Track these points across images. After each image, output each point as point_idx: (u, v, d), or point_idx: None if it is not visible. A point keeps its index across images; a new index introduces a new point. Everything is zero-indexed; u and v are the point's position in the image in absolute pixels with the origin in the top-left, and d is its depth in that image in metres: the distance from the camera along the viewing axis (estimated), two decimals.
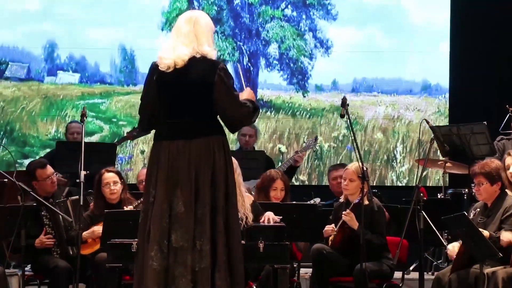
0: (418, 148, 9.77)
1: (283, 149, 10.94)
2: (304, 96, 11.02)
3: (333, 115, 10.96)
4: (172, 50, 5.33)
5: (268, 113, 11.02)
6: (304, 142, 9.78)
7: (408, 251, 7.78)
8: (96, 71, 10.89)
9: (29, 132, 10.79)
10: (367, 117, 10.98)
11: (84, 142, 7.20)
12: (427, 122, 8.20)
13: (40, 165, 7.81)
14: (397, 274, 7.71)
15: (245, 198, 6.97)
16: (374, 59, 10.98)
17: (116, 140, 8.92)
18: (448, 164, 8.65)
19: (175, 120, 5.37)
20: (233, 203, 5.43)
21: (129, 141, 9.85)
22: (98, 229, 7.26)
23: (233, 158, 5.67)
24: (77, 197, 7.52)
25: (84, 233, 7.35)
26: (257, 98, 10.81)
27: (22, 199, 7.16)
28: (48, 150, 10.28)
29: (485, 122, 8.32)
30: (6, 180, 7.69)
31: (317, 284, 7.42)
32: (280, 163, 9.70)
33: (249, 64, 11.00)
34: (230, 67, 10.53)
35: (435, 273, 7.90)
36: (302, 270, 8.25)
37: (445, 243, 7.44)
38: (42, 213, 7.60)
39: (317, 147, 9.63)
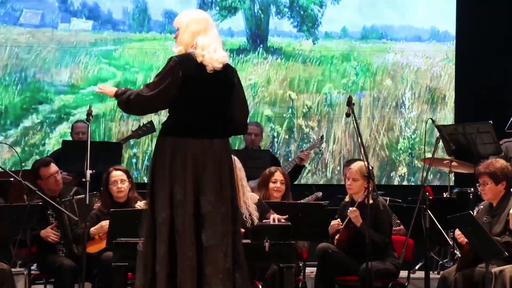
0: (424, 146, 9.78)
1: (293, 95, 10.98)
2: (314, 43, 11.05)
3: (342, 63, 11.03)
4: (213, 52, 5.41)
5: (279, 60, 11.03)
6: (310, 141, 9.80)
7: (413, 250, 7.79)
8: (109, 18, 10.92)
9: (43, 78, 10.82)
10: (376, 64, 11.03)
11: (90, 141, 7.22)
12: (433, 121, 8.21)
13: (44, 163, 7.83)
14: (403, 273, 7.73)
15: (248, 195, 7.06)
16: (383, 7, 11.05)
17: (121, 139, 8.93)
18: (454, 163, 8.66)
19: (202, 118, 5.43)
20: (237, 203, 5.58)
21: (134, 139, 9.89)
22: (106, 224, 7.27)
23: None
24: (83, 196, 7.56)
25: (92, 229, 7.39)
26: (268, 45, 11.00)
27: (28, 198, 7.16)
28: (62, 96, 10.50)
29: (491, 121, 8.33)
30: (12, 179, 7.70)
31: (322, 283, 7.44)
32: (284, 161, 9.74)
33: (260, 12, 11.02)
34: (241, 15, 10.77)
35: (441, 272, 7.92)
36: (308, 270, 8.26)
37: (450, 242, 7.45)
38: (48, 212, 7.62)
39: (322, 147, 9.64)
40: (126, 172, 7.63)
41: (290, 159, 10.02)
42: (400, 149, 11.02)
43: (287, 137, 10.95)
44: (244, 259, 5.53)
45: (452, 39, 11.03)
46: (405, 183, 10.98)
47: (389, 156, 10.97)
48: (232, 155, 7.04)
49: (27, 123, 10.83)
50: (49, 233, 7.53)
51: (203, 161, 5.41)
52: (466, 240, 6.72)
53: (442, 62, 11.04)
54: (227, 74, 5.51)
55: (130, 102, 5.42)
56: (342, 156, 10.87)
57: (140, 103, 5.41)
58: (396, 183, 10.99)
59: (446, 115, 10.97)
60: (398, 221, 8.22)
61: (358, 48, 11.06)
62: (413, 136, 11.04)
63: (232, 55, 10.84)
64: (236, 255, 5.47)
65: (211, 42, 5.45)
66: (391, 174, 11.01)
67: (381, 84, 11.06)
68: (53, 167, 7.78)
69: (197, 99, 5.43)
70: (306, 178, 10.76)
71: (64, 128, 10.73)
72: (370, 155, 10.72)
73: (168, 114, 5.57)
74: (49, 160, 7.87)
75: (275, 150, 10.74)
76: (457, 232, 6.91)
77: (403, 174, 11.00)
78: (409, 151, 11.04)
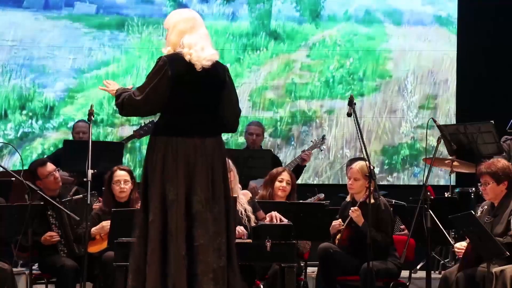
0: (425, 147, 9.78)
1: (296, 79, 10.99)
2: (317, 28, 11.05)
3: (345, 46, 11.05)
4: (201, 50, 5.40)
5: (281, 44, 11.04)
6: (311, 141, 9.80)
7: (415, 250, 7.79)
8: (113, 3, 10.92)
9: (46, 63, 10.81)
10: (379, 48, 11.05)
11: (92, 140, 7.21)
12: (434, 121, 8.20)
13: (40, 163, 7.79)
14: (404, 273, 7.72)
15: (239, 193, 7.08)
16: None
17: (123, 139, 8.93)
18: (455, 163, 8.65)
19: (193, 117, 5.42)
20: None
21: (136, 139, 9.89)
22: (107, 224, 7.27)
23: None
24: (81, 196, 7.56)
25: (93, 229, 7.39)
26: (271, 29, 11.04)
27: (29, 198, 7.16)
28: (65, 82, 10.53)
29: (492, 121, 8.33)
30: (14, 179, 7.70)
31: (324, 283, 7.44)
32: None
33: None
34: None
35: (442, 272, 7.91)
36: (309, 269, 8.26)
37: (452, 242, 7.45)
38: (48, 212, 7.61)
39: (324, 147, 9.65)
40: (130, 173, 7.62)
41: (292, 143, 10.06)
42: (403, 132, 11.01)
43: (290, 120, 10.95)
44: (236, 258, 5.50)
45: (454, 23, 11.05)
46: (407, 166, 10.96)
47: (392, 139, 10.96)
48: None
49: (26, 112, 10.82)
50: (48, 237, 7.52)
51: (195, 160, 5.39)
52: (464, 252, 6.73)
53: (444, 46, 11.05)
54: (217, 72, 5.50)
55: (124, 105, 5.43)
56: (344, 140, 10.89)
57: (132, 105, 5.41)
58: (398, 167, 10.97)
59: (449, 99, 10.94)
60: (402, 226, 8.22)
61: (360, 32, 11.06)
62: (415, 120, 11.04)
63: (235, 39, 10.84)
64: (229, 254, 5.45)
65: (198, 41, 5.44)
66: (393, 157, 11.00)
67: (383, 68, 11.06)
68: (50, 166, 7.75)
69: (187, 98, 5.43)
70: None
71: (69, 111, 10.73)
72: (372, 139, 10.75)
73: (159, 114, 5.56)
74: (45, 159, 7.85)
75: (278, 134, 10.74)
76: (457, 245, 6.91)
77: (405, 158, 11.00)
78: (412, 134, 11.03)
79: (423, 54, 11.08)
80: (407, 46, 11.10)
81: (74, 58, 10.84)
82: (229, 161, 6.88)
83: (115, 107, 5.71)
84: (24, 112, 10.73)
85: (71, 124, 10.34)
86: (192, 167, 5.39)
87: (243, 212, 7.01)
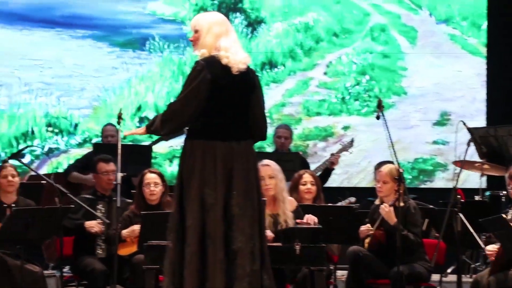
0: (455, 149, 9.68)
1: (313, 96, 11.05)
2: (334, 46, 11.18)
3: (362, 63, 11.10)
4: (236, 53, 5.38)
5: (299, 62, 11.12)
6: (340, 144, 9.76)
7: (445, 253, 7.70)
8: (135, 23, 11.03)
9: (71, 81, 10.89)
10: (394, 66, 11.08)
11: (121, 144, 7.21)
12: (464, 124, 8.12)
13: (104, 159, 7.80)
14: (435, 277, 7.64)
15: (288, 205, 7.03)
16: None
17: (151, 141, 8.92)
18: (485, 166, 8.56)
19: (229, 120, 5.39)
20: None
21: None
22: (137, 228, 7.25)
23: None
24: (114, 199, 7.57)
25: (124, 231, 7.38)
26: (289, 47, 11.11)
27: (60, 201, 7.16)
28: (89, 99, 10.65)
29: None
30: (44, 182, 7.71)
31: (353, 286, 7.37)
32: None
33: None
34: None
35: (473, 275, 7.82)
36: (339, 273, 8.20)
37: (483, 246, 7.35)
38: (98, 206, 7.62)
39: (352, 150, 9.60)
40: (160, 175, 7.59)
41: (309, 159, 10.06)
42: (420, 147, 10.97)
43: (307, 136, 11.00)
44: (269, 261, 5.48)
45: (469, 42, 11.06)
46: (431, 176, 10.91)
47: (409, 155, 10.92)
48: (272, 166, 7.03)
49: None
50: (94, 225, 7.50)
51: (231, 163, 5.36)
52: (496, 255, 6.64)
53: (459, 64, 11.06)
54: (250, 75, 5.47)
55: (163, 122, 5.36)
56: (362, 156, 10.85)
57: (172, 115, 5.35)
58: (427, 156, 10.93)
59: (465, 115, 10.87)
60: (437, 234, 8.11)
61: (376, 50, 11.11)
62: (430, 136, 11.02)
63: (254, 57, 10.89)
64: (263, 257, 5.42)
65: (233, 44, 5.41)
66: (412, 172, 10.96)
67: (399, 84, 11.10)
68: (110, 166, 7.72)
69: (224, 102, 5.38)
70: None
71: (93, 127, 10.78)
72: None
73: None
74: (110, 158, 7.79)
75: (295, 150, 10.77)
76: (489, 248, 6.82)
77: (426, 171, 10.94)
78: (429, 148, 11.00)
79: (438, 71, 11.04)
80: (422, 64, 11.06)
81: (98, 76, 10.90)
82: (276, 166, 6.90)
83: (154, 137, 5.64)
84: (50, 129, 10.77)
85: (95, 140, 10.43)
86: (229, 171, 5.35)
87: (285, 220, 6.95)
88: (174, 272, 5.36)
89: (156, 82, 11.02)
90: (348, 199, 8.42)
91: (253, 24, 11.17)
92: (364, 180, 10.87)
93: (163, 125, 5.36)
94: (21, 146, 10.38)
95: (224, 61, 5.35)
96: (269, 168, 7.01)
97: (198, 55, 5.42)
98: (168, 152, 10.86)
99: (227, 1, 11.12)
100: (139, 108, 10.97)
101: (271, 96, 10.98)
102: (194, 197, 5.32)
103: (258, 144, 5.78)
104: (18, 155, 7.42)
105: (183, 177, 5.40)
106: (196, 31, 5.46)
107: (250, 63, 5.48)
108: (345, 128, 11.05)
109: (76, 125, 10.89)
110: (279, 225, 6.94)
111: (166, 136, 8.65)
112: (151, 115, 10.60)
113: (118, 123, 7.21)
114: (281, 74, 11.18)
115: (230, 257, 5.30)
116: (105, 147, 8.62)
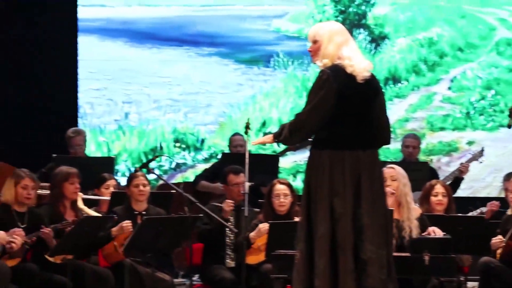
0: None
1: (437, 111, 10.83)
2: (458, 61, 10.95)
3: (487, 78, 10.84)
4: (359, 62, 5.27)
5: (422, 77, 10.94)
6: (469, 153, 9.50)
7: None
8: (260, 40, 11.03)
9: (198, 98, 10.95)
10: None
11: (248, 153, 7.17)
12: None
13: (234, 170, 7.79)
14: None
15: (413, 211, 6.86)
16: None
17: (278, 152, 8.86)
18: None
19: (355, 129, 5.28)
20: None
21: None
22: (265, 227, 7.21)
23: None
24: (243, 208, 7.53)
25: (251, 234, 7.32)
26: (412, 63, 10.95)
27: (189, 210, 7.16)
28: (215, 115, 10.72)
29: None
30: (174, 191, 7.73)
31: None
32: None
33: None
34: None
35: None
36: (469, 284, 7.92)
37: None
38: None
39: (483, 159, 9.30)
40: (290, 186, 7.52)
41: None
42: None
43: (430, 151, 10.74)
44: (394, 270, 5.33)
45: None
46: None
47: None
48: (397, 169, 6.87)
49: None
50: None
51: (359, 172, 5.25)
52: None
53: None
54: (373, 81, 5.35)
55: (291, 130, 5.28)
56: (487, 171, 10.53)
57: (300, 125, 5.26)
58: None
59: None
60: None
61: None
62: None
63: (377, 72, 10.73)
64: (389, 266, 5.28)
65: (355, 53, 5.31)
66: None
67: None
68: (240, 178, 7.70)
69: (350, 110, 5.27)
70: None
71: (219, 143, 10.81)
72: None
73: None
74: (240, 169, 7.76)
75: None
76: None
77: None
78: None
79: None
80: None
81: (224, 92, 10.95)
82: (401, 170, 6.74)
83: (281, 145, 5.56)
84: (178, 144, 10.85)
85: (220, 155, 10.43)
86: (357, 180, 5.24)
87: (407, 233, 6.76)
88: (303, 282, 5.26)
89: (281, 98, 11.00)
90: (480, 209, 8.15)
91: (377, 39, 11.05)
92: (490, 195, 10.52)
93: (291, 135, 5.29)
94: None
95: (348, 69, 5.25)
96: (393, 171, 6.90)
97: (319, 65, 5.32)
98: (292, 167, 10.79)
99: (351, 17, 11.01)
100: (263, 124, 10.96)
101: (395, 111, 10.79)
102: (323, 207, 5.23)
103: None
104: (148, 165, 7.44)
105: (310, 187, 5.30)
106: (315, 42, 5.35)
107: (372, 69, 5.35)
108: (470, 143, 10.78)
109: (202, 141, 10.96)
110: (403, 232, 6.76)
111: (293, 146, 8.60)
112: (275, 130, 10.55)
113: (246, 133, 7.18)
114: (405, 89, 11.00)
115: (360, 267, 5.19)
116: (233, 157, 8.62)
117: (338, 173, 5.22)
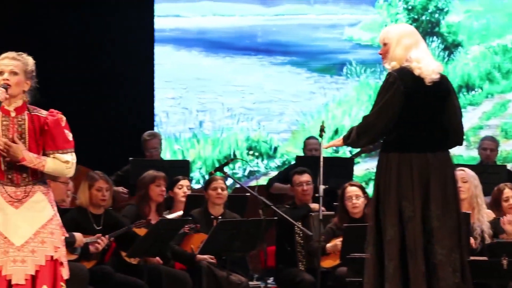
0: None
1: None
2: None
3: None
4: (428, 64, 5.14)
5: (496, 85, 10.73)
6: None
7: None
8: (332, 49, 10.95)
9: (271, 106, 10.88)
10: None
11: (323, 156, 7.06)
12: None
13: (299, 171, 7.81)
14: None
15: (484, 212, 6.77)
16: None
17: (352, 154, 8.73)
18: None
19: (423, 131, 5.16)
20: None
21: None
22: (340, 242, 7.10)
23: None
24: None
25: (328, 245, 7.25)
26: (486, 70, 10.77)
27: (264, 213, 7.08)
28: (288, 123, 10.63)
29: None
30: (248, 194, 7.66)
31: None
32: None
33: None
34: None
35: None
36: None
37: None
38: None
39: None
40: (361, 188, 7.42)
41: None
42: None
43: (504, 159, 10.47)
44: (470, 274, 5.18)
45: None
46: None
47: None
48: (467, 171, 6.71)
49: None
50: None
51: (428, 175, 5.12)
52: None
53: None
54: (443, 84, 5.21)
55: (359, 132, 5.20)
56: None
57: (366, 128, 5.18)
58: None
59: None
60: None
61: None
62: None
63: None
64: (463, 269, 5.13)
65: (424, 55, 5.16)
66: None
67: None
68: (305, 177, 7.72)
69: (418, 113, 5.15)
70: None
71: (291, 150, 10.70)
72: None
73: None
74: (304, 169, 7.80)
75: None
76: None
77: None
78: None
79: None
80: None
81: (296, 101, 10.90)
82: (472, 172, 6.57)
83: (353, 149, 5.46)
84: (251, 152, 10.80)
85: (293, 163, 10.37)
86: (425, 183, 5.12)
87: (479, 234, 6.60)
88: (373, 286, 5.15)
89: (353, 106, 10.89)
90: None
91: (450, 47, 10.87)
92: None
93: (358, 137, 5.22)
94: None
95: (416, 72, 5.13)
96: (463, 173, 6.80)
97: (387, 68, 5.23)
98: (364, 175, 10.66)
99: (424, 25, 10.84)
100: (336, 132, 10.84)
101: (468, 119, 10.58)
102: (392, 211, 5.12)
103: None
104: (223, 168, 7.38)
105: (379, 190, 5.21)
106: (385, 44, 5.25)
107: (442, 71, 5.21)
108: None
109: (275, 149, 10.89)
110: (475, 232, 6.59)
111: (366, 148, 8.46)
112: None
113: (320, 136, 7.08)
114: (478, 97, 10.80)
115: (431, 271, 5.06)
116: (307, 160, 8.53)
117: (406, 176, 5.11)
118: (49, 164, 4.70)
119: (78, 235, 6.77)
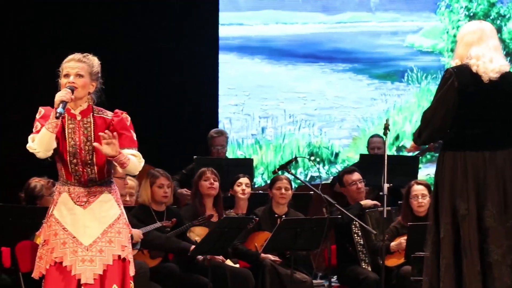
0: None
1: None
2: None
3: None
4: (489, 61, 4.92)
5: None
6: None
7: None
8: (394, 56, 10.76)
9: (332, 112, 10.72)
10: None
11: (387, 155, 6.84)
12: None
13: (348, 171, 7.64)
14: None
15: None
16: None
17: (418, 152, 8.47)
18: None
19: (480, 130, 4.95)
20: None
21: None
22: (405, 241, 6.90)
23: None
24: (377, 209, 7.19)
25: (392, 244, 7.06)
26: None
27: (328, 211, 6.88)
28: (349, 129, 10.52)
29: None
30: (312, 192, 7.47)
31: None
32: None
33: None
34: None
35: None
36: None
37: None
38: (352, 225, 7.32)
39: None
40: (427, 187, 7.19)
41: None
42: None
43: None
44: None
45: None
46: None
47: None
48: None
49: None
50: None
51: (484, 174, 4.90)
52: None
53: None
54: (505, 84, 4.96)
55: (420, 131, 5.06)
56: None
57: (425, 124, 5.02)
58: None
59: None
60: None
61: None
62: None
63: None
64: None
65: (486, 52, 4.93)
66: None
67: None
68: (356, 175, 7.55)
69: (474, 111, 4.95)
70: None
71: (352, 156, 10.52)
72: None
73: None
74: (354, 168, 7.64)
75: None
76: None
77: None
78: None
79: None
80: None
81: (358, 107, 10.73)
82: None
83: (418, 146, 5.25)
84: (312, 158, 10.63)
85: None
86: (482, 181, 4.91)
87: None
88: (431, 285, 4.97)
89: (414, 112, 10.67)
90: None
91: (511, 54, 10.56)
92: None
93: (419, 134, 5.07)
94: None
95: (474, 69, 4.94)
96: None
97: (452, 64, 5.08)
98: (426, 180, 10.36)
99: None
100: (397, 138, 10.59)
101: None
102: (446, 209, 4.94)
103: None
104: (287, 166, 7.20)
105: (437, 189, 5.04)
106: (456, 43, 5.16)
107: (506, 70, 4.96)
108: None
109: (336, 155, 10.70)
110: None
111: (432, 146, 8.24)
112: (408, 144, 10.21)
113: (385, 134, 6.88)
114: None
115: (486, 270, 4.85)
116: (371, 158, 8.31)
117: (460, 175, 4.93)
118: (132, 159, 4.59)
119: (135, 231, 6.63)
